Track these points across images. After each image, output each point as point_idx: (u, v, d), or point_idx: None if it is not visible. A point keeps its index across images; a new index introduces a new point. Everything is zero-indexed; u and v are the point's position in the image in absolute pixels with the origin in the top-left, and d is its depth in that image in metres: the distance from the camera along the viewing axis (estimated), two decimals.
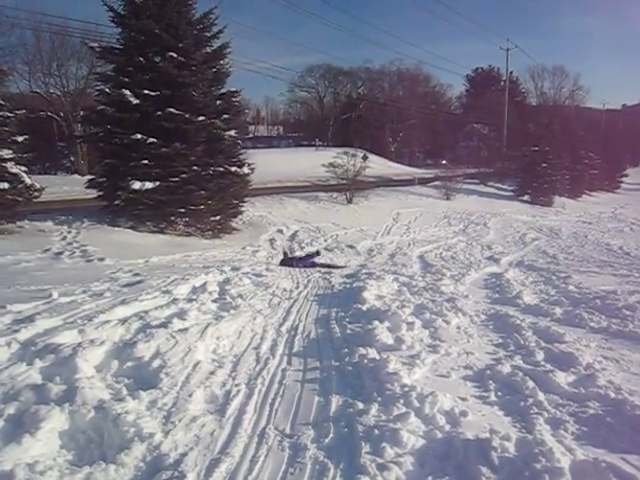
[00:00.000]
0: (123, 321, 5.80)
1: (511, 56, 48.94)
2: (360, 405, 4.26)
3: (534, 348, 5.91)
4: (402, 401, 4.27)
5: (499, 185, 40.08)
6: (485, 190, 37.25)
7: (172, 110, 14.22)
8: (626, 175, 55.82)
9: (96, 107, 15.75)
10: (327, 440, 3.76)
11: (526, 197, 35.76)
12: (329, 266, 12.63)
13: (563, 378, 4.95)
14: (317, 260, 12.98)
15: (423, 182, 34.25)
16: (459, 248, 16.90)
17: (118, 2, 14.66)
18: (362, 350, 5.50)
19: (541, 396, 4.56)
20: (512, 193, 36.90)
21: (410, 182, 33.97)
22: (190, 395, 4.28)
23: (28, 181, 12.96)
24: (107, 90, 14.89)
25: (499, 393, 4.71)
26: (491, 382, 4.91)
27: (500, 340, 6.40)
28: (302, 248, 15.35)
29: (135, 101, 14.22)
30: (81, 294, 7.09)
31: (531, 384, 4.76)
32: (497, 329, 6.89)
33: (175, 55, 14.44)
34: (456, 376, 5.11)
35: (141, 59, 14.52)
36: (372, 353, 5.44)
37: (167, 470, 3.29)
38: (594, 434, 3.96)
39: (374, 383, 4.72)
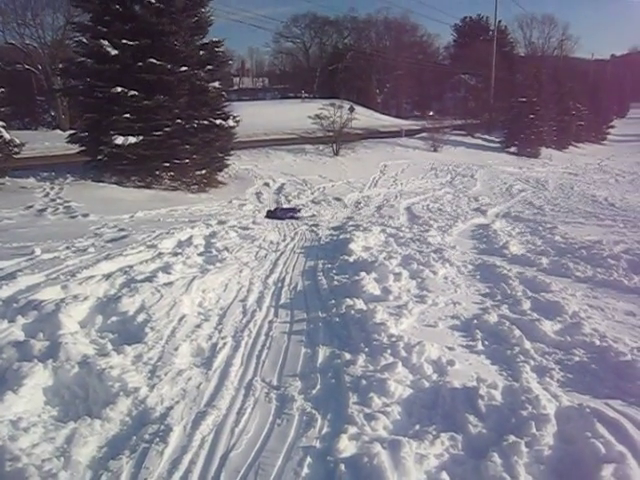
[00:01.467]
0: (107, 276, 5.73)
1: (500, 4, 47.95)
2: (347, 356, 4.26)
3: (521, 297, 5.96)
4: (389, 351, 4.27)
5: (486, 137, 39.78)
6: (472, 142, 36.97)
7: (153, 60, 13.77)
8: (613, 126, 55.62)
9: (75, 59, 15.20)
10: (314, 391, 3.77)
11: (513, 149, 35.56)
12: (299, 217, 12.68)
13: (549, 327, 5.00)
14: (297, 214, 12.96)
15: (410, 134, 33.87)
16: (446, 200, 16.85)
17: None
18: (349, 301, 5.49)
19: (527, 344, 4.60)
20: (499, 145, 36.66)
21: (397, 134, 33.57)
22: (176, 349, 4.25)
23: (7, 136, 12.58)
24: (85, 41, 14.36)
25: (486, 342, 4.74)
26: (478, 331, 4.95)
27: (487, 290, 6.43)
28: (289, 201, 15.22)
29: (114, 52, 13.73)
30: (64, 250, 6.98)
31: (517, 333, 4.80)
32: (484, 279, 6.92)
33: (153, 1, 13.90)
34: (443, 326, 5.13)
35: (118, 7, 13.96)
36: (359, 304, 5.44)
37: (153, 424, 3.28)
38: (579, 381, 4.01)
39: (361, 334, 4.73)
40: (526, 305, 5.70)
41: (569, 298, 6.01)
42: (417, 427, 3.33)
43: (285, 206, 14.13)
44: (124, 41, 13.72)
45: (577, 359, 4.38)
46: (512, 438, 3.10)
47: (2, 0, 29.86)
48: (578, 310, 5.50)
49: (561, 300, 5.79)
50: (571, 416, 3.30)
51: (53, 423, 3.30)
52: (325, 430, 3.32)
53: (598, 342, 4.64)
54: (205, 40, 16.05)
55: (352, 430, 3.25)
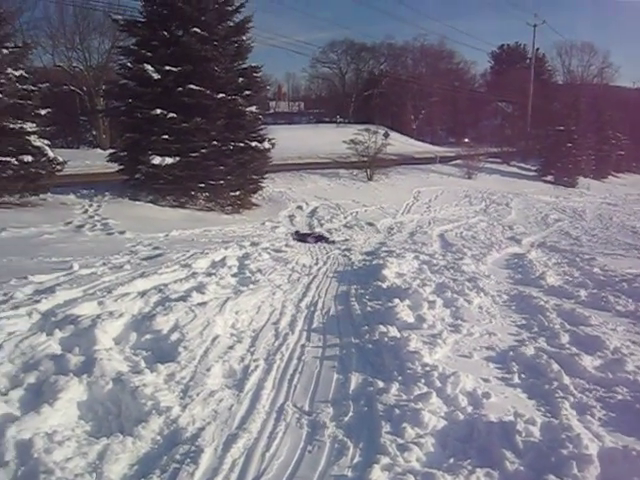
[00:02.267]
0: (142, 294, 5.79)
1: (538, 32, 47.62)
2: (380, 384, 4.19)
3: (559, 330, 5.79)
4: (423, 381, 4.19)
5: (522, 165, 39.40)
6: (508, 170, 36.66)
7: (192, 86, 14.09)
8: None
9: (118, 81, 15.68)
10: (346, 418, 3.71)
11: (549, 177, 35.13)
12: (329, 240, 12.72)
13: (589, 362, 4.84)
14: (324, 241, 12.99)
15: (444, 160, 33.78)
16: (480, 228, 16.66)
17: None
18: (382, 328, 5.43)
19: (566, 380, 4.45)
20: (535, 173, 36.27)
21: (432, 160, 33.52)
22: (208, 369, 4.24)
23: (51, 154, 12.98)
24: (129, 64, 14.78)
25: (522, 375, 4.61)
26: (514, 364, 4.82)
27: (523, 321, 6.29)
28: (321, 225, 15.24)
29: (156, 76, 14.11)
30: (101, 266, 7.09)
31: (556, 367, 4.66)
32: (520, 310, 6.78)
33: (198, 30, 14.26)
34: (478, 357, 5.02)
35: (164, 33, 14.35)
36: (392, 331, 5.37)
37: (184, 444, 3.26)
38: (623, 421, 3.85)
39: (394, 361, 4.66)
40: (564, 338, 5.54)
41: (610, 333, 5.83)
42: (451, 460, 3.24)
43: (317, 231, 14.10)
44: (167, 67, 14.07)
45: (620, 397, 4.22)
46: (552, 478, 2.98)
47: (53, 26, 31.08)
48: (620, 346, 5.32)
49: (601, 335, 5.63)
50: (615, 458, 3.16)
51: (86, 438, 3.32)
52: (357, 459, 3.25)
53: None
54: (244, 65, 16.35)
55: (384, 460, 3.17)
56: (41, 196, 12.97)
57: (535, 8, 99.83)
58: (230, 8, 15.80)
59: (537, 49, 53.56)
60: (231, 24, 15.96)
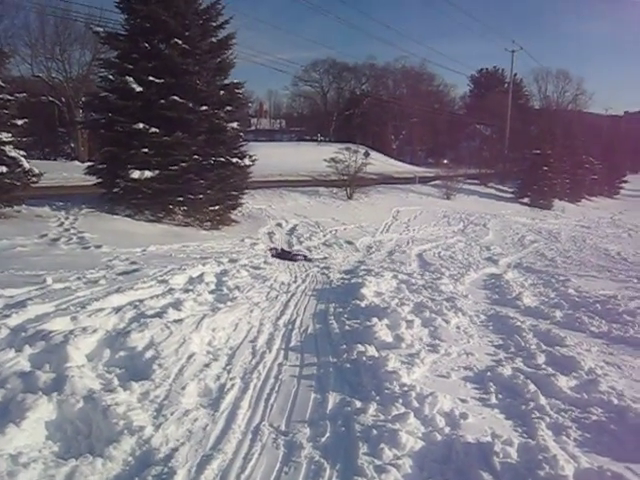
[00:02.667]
0: (117, 309, 5.68)
1: (516, 58, 48.65)
2: (358, 404, 4.15)
3: (535, 351, 5.83)
4: (401, 401, 4.16)
5: (499, 186, 39.96)
6: (485, 191, 37.14)
7: (176, 98, 14.04)
8: (626, 181, 55.70)
9: (98, 93, 15.57)
10: (323, 439, 3.66)
11: (526, 199, 35.64)
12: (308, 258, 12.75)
13: (565, 382, 4.87)
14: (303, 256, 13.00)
15: (424, 181, 34.09)
16: (458, 248, 16.78)
17: None
18: (360, 347, 5.40)
19: (543, 400, 4.47)
20: (512, 195, 36.78)
21: (411, 180, 33.80)
22: (183, 388, 4.16)
23: (27, 165, 12.77)
24: (110, 77, 14.70)
25: (500, 396, 4.61)
26: (491, 384, 4.82)
27: (500, 341, 6.31)
28: (301, 242, 15.23)
29: (138, 88, 14.04)
30: (75, 281, 6.97)
31: (532, 387, 4.67)
32: (497, 330, 6.80)
33: (180, 42, 14.27)
34: (456, 377, 5.01)
35: (146, 45, 14.32)
36: (371, 350, 5.34)
37: (157, 465, 3.17)
38: (598, 441, 3.86)
39: (372, 381, 4.62)
40: (540, 359, 5.58)
41: (584, 353, 5.88)
42: None
43: (295, 249, 14.11)
44: (150, 77, 14.02)
45: (594, 418, 4.23)
46: None
47: (33, 35, 30.85)
48: (594, 366, 5.36)
49: (576, 355, 5.66)
50: (591, 479, 3.16)
51: (54, 459, 3.20)
52: None
53: (616, 401, 4.50)
54: (226, 81, 16.39)
55: None
56: (15, 208, 12.73)
57: (513, 34, 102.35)
58: (214, 24, 15.88)
59: (515, 74, 54.77)
60: (214, 40, 16.01)
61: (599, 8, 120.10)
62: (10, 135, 12.45)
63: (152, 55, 14.39)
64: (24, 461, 3.08)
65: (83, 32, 29.16)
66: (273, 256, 12.53)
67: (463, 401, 4.41)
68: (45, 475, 3.02)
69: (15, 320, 4.99)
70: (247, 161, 16.49)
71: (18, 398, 3.60)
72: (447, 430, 3.82)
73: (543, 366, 5.36)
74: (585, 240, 22.40)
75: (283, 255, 12.77)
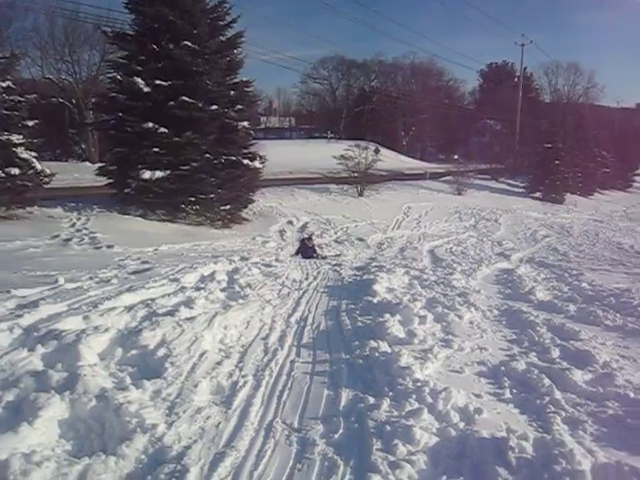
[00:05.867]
0: (129, 308, 5.68)
1: (526, 52, 48.40)
2: (371, 400, 4.12)
3: (549, 345, 5.76)
4: (414, 396, 4.12)
5: (511, 181, 39.73)
6: (497, 186, 36.94)
7: (185, 98, 14.07)
8: (639, 174, 55.22)
9: (108, 94, 15.67)
10: (337, 436, 3.62)
11: (538, 194, 35.42)
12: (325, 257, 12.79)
13: (580, 376, 4.80)
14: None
15: (434, 177, 33.98)
16: (470, 243, 16.71)
17: None
18: (373, 343, 5.36)
19: (558, 394, 4.41)
20: (524, 190, 36.56)
21: (422, 176, 33.71)
22: (195, 385, 4.15)
23: (38, 167, 12.89)
24: (119, 77, 14.77)
25: (514, 390, 4.56)
26: (506, 379, 4.77)
27: (514, 336, 6.24)
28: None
29: (147, 89, 14.10)
30: (87, 280, 6.99)
31: (547, 382, 4.62)
32: (510, 325, 6.74)
33: (189, 43, 14.29)
34: (470, 372, 4.96)
35: (154, 46, 14.36)
36: (383, 346, 5.31)
37: (169, 463, 3.15)
38: (615, 435, 3.80)
39: (385, 377, 4.58)
40: (555, 353, 5.51)
41: (599, 347, 5.80)
42: (444, 478, 3.16)
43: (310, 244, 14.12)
44: (157, 81, 14.05)
45: (611, 412, 4.17)
46: None
47: (42, 37, 31.06)
48: (609, 360, 5.29)
49: (591, 349, 5.59)
50: (608, 474, 3.11)
51: (67, 458, 3.19)
52: (347, 477, 3.16)
53: (632, 395, 4.43)
54: (236, 80, 16.41)
55: (376, 478, 3.09)
56: (28, 209, 12.86)
57: (523, 28, 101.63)
58: (222, 23, 15.91)
59: (525, 68, 54.37)
60: (223, 39, 16.05)
61: None
62: (21, 137, 12.57)
63: (161, 55, 14.47)
64: (37, 460, 3.07)
65: (91, 33, 29.36)
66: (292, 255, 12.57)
67: (477, 396, 4.36)
68: (58, 474, 3.02)
69: (28, 320, 5.00)
70: (257, 164, 16.51)
71: (31, 397, 3.59)
72: (461, 425, 3.78)
73: (557, 360, 5.29)
74: (598, 234, 22.21)
75: (303, 250, 12.77)
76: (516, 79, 55.56)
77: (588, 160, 41.49)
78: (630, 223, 28.78)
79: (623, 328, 6.81)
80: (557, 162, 34.74)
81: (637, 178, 54.48)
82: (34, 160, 12.78)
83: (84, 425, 3.52)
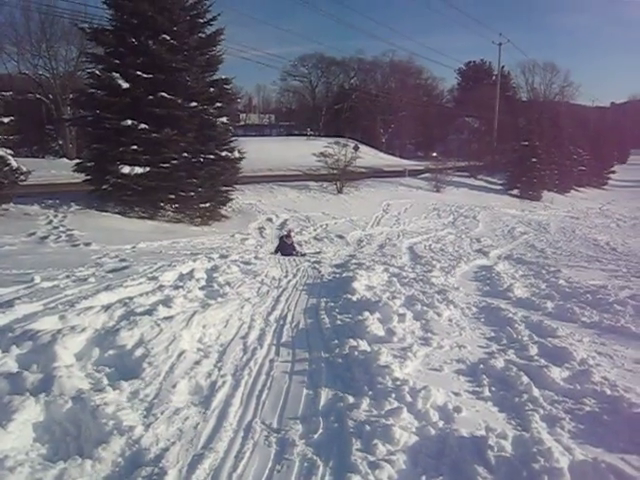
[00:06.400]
0: (106, 308, 5.60)
1: (503, 50, 48.91)
2: (350, 399, 4.11)
3: (527, 342, 5.81)
4: (394, 395, 4.12)
5: (489, 179, 40.10)
6: (475, 183, 37.24)
7: (164, 95, 13.93)
8: (613, 172, 56.19)
9: (86, 90, 15.42)
10: (316, 436, 3.61)
11: (515, 191, 35.81)
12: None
13: (558, 374, 4.85)
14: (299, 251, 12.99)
15: (413, 174, 34.12)
16: (448, 240, 16.83)
17: None
18: (352, 342, 5.35)
19: (536, 392, 4.44)
20: (501, 187, 36.93)
21: (400, 173, 33.82)
22: (174, 386, 4.10)
23: (14, 164, 12.65)
24: (97, 72, 14.55)
25: (493, 388, 4.58)
26: (484, 377, 4.79)
27: (492, 333, 6.29)
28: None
29: (125, 85, 13.91)
30: (64, 279, 6.88)
31: (525, 379, 4.65)
32: (489, 322, 6.79)
33: (168, 38, 14.14)
34: (449, 370, 4.98)
35: (133, 41, 14.19)
36: (363, 345, 5.30)
37: (147, 466, 3.11)
38: (592, 432, 3.84)
39: (365, 376, 4.58)
40: (533, 350, 5.56)
41: (576, 344, 5.86)
42: (423, 478, 3.17)
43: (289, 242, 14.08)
44: (137, 73, 13.88)
45: (588, 409, 4.22)
46: None
47: (18, 32, 30.49)
48: (586, 357, 5.35)
49: (568, 346, 5.64)
50: (586, 471, 3.14)
51: (41, 462, 3.13)
52: (327, 478, 3.15)
53: (609, 391, 4.48)
54: (215, 77, 16.30)
55: (355, 479, 3.09)
56: (3, 206, 12.62)
57: (500, 27, 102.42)
58: (202, 20, 15.78)
59: (502, 67, 54.91)
60: (202, 36, 15.92)
61: (585, 0, 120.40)
62: None
63: (140, 51, 14.29)
64: (10, 465, 3.00)
65: (69, 28, 28.85)
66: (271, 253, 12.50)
67: (456, 394, 4.38)
68: (32, 478, 2.95)
69: (2, 320, 4.91)
70: (237, 154, 16.44)
71: (5, 400, 3.52)
72: (441, 424, 3.79)
73: (535, 358, 5.33)
74: (574, 231, 22.53)
75: (283, 247, 12.71)
76: (494, 77, 56.10)
77: (564, 158, 42.09)
78: (605, 220, 29.27)
79: (599, 325, 6.89)
80: (534, 160, 35.16)
81: (612, 176, 55.40)
82: (9, 157, 12.54)
83: (60, 428, 3.46)
